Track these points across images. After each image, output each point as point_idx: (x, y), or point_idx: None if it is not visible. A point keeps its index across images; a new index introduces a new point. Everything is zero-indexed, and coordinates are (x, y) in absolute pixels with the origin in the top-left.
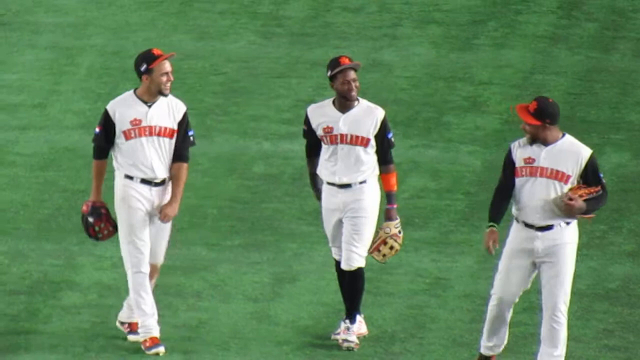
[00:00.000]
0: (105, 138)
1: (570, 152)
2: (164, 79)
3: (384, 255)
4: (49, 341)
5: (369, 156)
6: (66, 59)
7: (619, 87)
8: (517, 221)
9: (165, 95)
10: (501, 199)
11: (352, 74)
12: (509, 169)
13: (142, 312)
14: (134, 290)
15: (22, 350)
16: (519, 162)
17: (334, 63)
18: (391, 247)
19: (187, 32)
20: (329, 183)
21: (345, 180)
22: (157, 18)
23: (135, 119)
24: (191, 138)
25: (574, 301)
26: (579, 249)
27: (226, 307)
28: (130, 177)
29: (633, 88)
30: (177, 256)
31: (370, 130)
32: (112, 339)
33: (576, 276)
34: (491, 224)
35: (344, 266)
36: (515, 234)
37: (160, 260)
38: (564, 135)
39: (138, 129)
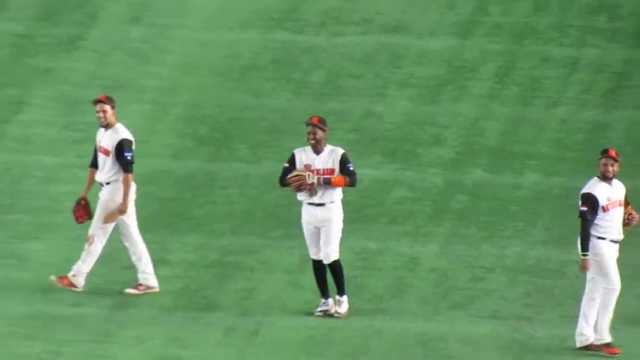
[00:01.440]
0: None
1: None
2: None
3: (296, 176)
4: (150, 300)
5: None
6: (161, 110)
7: (535, 130)
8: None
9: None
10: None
11: (309, 129)
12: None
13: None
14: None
15: (131, 305)
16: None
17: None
18: (297, 175)
19: (245, 92)
20: (309, 203)
21: (320, 201)
22: (224, 82)
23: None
24: (128, 157)
25: (502, 274)
26: (503, 238)
27: (270, 278)
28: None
29: (546, 130)
30: (236, 243)
31: (335, 164)
32: (194, 296)
33: (505, 257)
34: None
35: (325, 261)
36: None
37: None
38: None
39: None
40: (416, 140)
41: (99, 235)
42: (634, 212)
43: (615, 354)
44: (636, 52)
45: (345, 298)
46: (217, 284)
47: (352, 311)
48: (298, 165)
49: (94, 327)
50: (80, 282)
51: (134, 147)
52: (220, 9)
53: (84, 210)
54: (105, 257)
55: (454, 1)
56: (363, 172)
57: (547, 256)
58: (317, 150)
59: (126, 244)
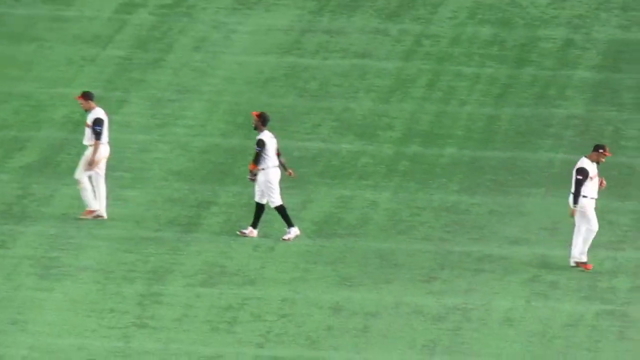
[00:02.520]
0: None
1: None
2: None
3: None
4: (205, 226)
5: None
6: (214, 106)
7: (452, 120)
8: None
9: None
10: None
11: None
12: None
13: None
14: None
15: (193, 230)
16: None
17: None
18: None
19: (266, 95)
20: (276, 166)
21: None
22: (253, 88)
23: None
24: (97, 130)
25: (430, 212)
26: (431, 189)
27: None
28: None
29: (459, 120)
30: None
31: None
32: (233, 226)
33: (432, 201)
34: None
35: (271, 205)
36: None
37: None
38: None
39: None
40: (376, 126)
41: (82, 178)
42: (604, 182)
43: (588, 269)
44: (517, 71)
45: (293, 232)
46: (249, 217)
47: (333, 235)
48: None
49: (170, 244)
50: (102, 213)
51: (105, 123)
52: (252, 41)
53: None
54: (173, 201)
55: (400, 37)
56: (342, 146)
57: (460, 201)
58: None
59: (94, 185)
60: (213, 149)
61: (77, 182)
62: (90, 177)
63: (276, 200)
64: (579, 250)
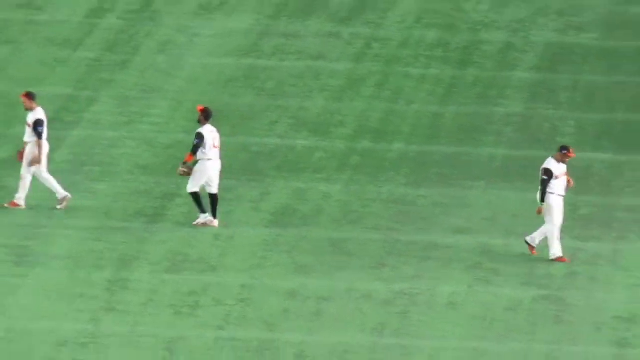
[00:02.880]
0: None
1: None
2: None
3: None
4: (173, 217)
5: None
6: (179, 104)
7: (400, 118)
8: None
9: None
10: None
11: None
12: None
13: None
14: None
15: (158, 221)
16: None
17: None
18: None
19: (227, 94)
20: (211, 160)
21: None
22: (215, 88)
23: None
24: (39, 130)
25: (380, 203)
26: (380, 181)
27: (239, 206)
28: None
29: (406, 118)
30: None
31: None
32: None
33: (381, 193)
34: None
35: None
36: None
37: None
38: None
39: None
40: (329, 123)
41: (26, 174)
42: (571, 181)
43: (564, 261)
44: (460, 72)
45: (210, 220)
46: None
47: (288, 225)
48: (208, 142)
49: (137, 234)
50: (22, 203)
51: (45, 123)
52: (213, 44)
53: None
54: (139, 193)
55: (351, 40)
56: (298, 142)
57: (407, 193)
58: (213, 130)
59: (39, 178)
60: (177, 145)
61: (20, 177)
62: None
63: (193, 187)
64: (557, 248)
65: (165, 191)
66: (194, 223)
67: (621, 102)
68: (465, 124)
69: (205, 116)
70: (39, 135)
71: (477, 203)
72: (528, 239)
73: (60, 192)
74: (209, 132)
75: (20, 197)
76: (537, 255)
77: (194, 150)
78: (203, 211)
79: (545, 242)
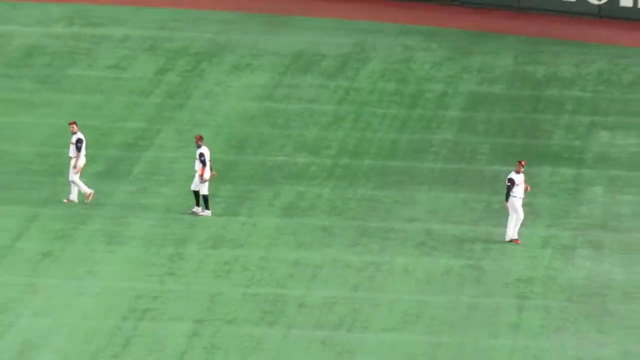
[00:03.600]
0: None
1: None
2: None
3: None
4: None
5: None
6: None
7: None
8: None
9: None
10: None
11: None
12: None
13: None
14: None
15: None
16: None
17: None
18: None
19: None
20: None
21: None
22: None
23: None
24: (79, 145)
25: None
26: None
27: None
28: None
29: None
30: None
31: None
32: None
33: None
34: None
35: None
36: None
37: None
38: None
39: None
40: (320, 146)
41: (75, 179)
42: (529, 187)
43: (518, 243)
44: (410, 111)
45: (205, 212)
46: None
47: (294, 215)
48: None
49: (188, 222)
50: (75, 199)
51: (84, 142)
52: (242, 93)
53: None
54: (190, 194)
55: (335, 90)
56: (299, 159)
57: (374, 194)
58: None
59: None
60: (216, 161)
61: (72, 183)
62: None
63: (205, 191)
64: (511, 232)
65: (209, 193)
66: (200, 214)
67: (520, 132)
68: (414, 147)
69: (201, 140)
70: (78, 149)
71: (422, 201)
72: (507, 238)
73: (86, 190)
74: (206, 150)
75: (83, 189)
76: (460, 236)
77: (204, 164)
78: (207, 208)
79: (465, 228)
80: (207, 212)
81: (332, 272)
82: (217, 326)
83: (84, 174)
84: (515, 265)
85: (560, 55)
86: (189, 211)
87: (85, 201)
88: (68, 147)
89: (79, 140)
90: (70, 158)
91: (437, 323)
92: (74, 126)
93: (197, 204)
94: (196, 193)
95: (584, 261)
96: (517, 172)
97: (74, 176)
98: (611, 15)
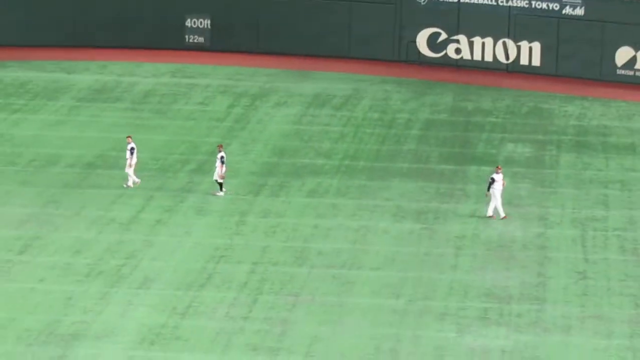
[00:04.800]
0: None
1: None
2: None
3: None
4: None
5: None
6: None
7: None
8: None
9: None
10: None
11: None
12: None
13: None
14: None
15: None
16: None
17: None
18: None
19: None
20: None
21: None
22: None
23: None
24: (132, 151)
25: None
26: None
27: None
28: None
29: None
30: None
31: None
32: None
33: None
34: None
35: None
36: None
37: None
38: None
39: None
40: (331, 154)
41: (130, 173)
42: (505, 183)
43: (504, 218)
44: (389, 130)
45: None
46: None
47: (315, 196)
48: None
49: (249, 202)
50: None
51: (135, 149)
52: (280, 119)
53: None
54: (251, 184)
55: (341, 117)
56: (318, 161)
57: (366, 183)
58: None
59: (129, 173)
60: (266, 165)
61: (128, 174)
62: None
63: (221, 179)
64: (491, 210)
65: (261, 183)
66: (218, 194)
67: (457, 144)
68: (391, 154)
69: (221, 147)
70: (132, 153)
71: (396, 187)
72: (488, 215)
73: (135, 179)
74: (224, 154)
75: (133, 179)
76: (416, 208)
77: (223, 163)
78: (221, 190)
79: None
80: (221, 193)
81: (339, 232)
82: (265, 267)
83: (139, 169)
84: (453, 227)
85: (482, 96)
86: (212, 193)
87: (131, 186)
88: (126, 152)
89: (132, 149)
90: (127, 159)
91: (405, 264)
92: (129, 139)
93: (221, 189)
94: (217, 182)
95: (496, 224)
96: (497, 173)
97: (129, 169)
98: (515, 70)
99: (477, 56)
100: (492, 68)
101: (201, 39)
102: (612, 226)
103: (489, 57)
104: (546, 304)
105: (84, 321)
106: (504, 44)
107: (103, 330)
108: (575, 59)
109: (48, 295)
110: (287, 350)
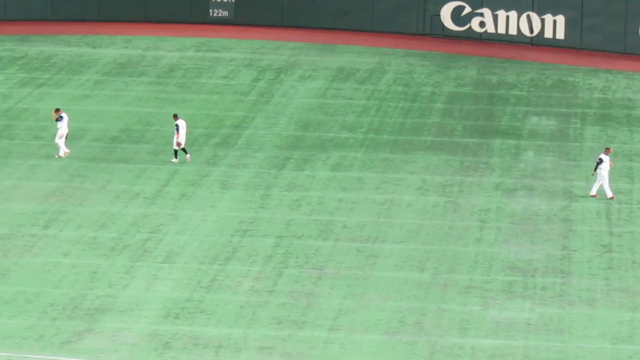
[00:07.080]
0: None
1: None
2: None
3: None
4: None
5: None
6: None
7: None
8: None
9: None
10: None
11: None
12: None
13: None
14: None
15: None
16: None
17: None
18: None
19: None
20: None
21: None
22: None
23: None
24: (177, 127)
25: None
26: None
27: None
28: None
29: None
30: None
31: None
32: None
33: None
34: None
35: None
36: None
37: None
38: None
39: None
40: (356, 126)
41: (61, 144)
42: (612, 163)
43: (612, 198)
44: (413, 104)
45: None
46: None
47: (339, 170)
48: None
49: (273, 176)
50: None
51: (180, 126)
52: (305, 93)
53: None
54: (274, 158)
55: (365, 90)
56: (342, 135)
57: (388, 157)
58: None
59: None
60: (290, 137)
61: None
62: None
63: (176, 147)
64: (595, 189)
65: (285, 157)
66: (173, 160)
67: (481, 117)
68: (414, 127)
69: (176, 116)
70: (177, 130)
71: (420, 160)
72: (592, 194)
73: (65, 149)
74: (182, 121)
75: (63, 150)
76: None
77: (178, 131)
78: (175, 157)
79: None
80: (176, 160)
81: (364, 205)
82: (290, 240)
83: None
84: (478, 200)
85: (507, 69)
86: (170, 160)
87: (62, 156)
88: (57, 122)
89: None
90: (58, 129)
91: (429, 237)
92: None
93: (175, 156)
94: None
95: (521, 198)
96: (606, 154)
97: (59, 140)
98: (539, 43)
99: (502, 29)
100: (516, 41)
101: (225, 13)
102: (637, 199)
103: (513, 31)
104: (571, 277)
105: (109, 295)
106: (528, 17)
107: (128, 304)
108: (599, 32)
109: (73, 269)
110: (311, 324)
